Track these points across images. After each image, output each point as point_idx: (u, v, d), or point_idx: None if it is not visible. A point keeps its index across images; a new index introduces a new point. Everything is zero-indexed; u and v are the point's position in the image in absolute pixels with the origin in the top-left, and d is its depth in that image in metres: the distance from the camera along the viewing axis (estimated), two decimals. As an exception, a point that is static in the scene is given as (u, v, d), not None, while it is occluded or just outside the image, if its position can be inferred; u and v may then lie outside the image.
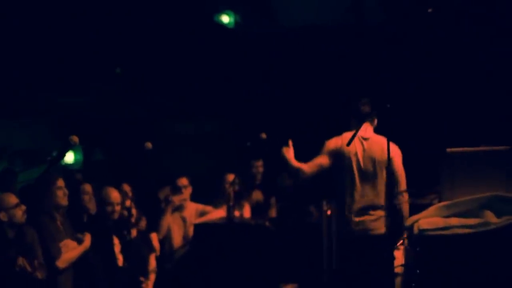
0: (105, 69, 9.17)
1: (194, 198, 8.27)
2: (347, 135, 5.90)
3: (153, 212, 7.90)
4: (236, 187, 7.86)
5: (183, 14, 9.85)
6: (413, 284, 4.27)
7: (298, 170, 6.12)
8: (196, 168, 8.92)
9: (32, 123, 9.45)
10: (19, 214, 5.66)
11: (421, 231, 4.14)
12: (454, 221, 4.11)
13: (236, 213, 7.57)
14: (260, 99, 10.62)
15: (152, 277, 7.33)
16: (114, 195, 6.95)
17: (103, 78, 9.27)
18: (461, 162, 4.29)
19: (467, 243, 4.05)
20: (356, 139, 5.86)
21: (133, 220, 7.18)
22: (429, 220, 4.17)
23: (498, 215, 4.04)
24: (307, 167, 6.10)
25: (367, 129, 6.07)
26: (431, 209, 4.27)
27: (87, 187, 7.03)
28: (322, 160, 6.06)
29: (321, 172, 6.14)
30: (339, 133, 6.97)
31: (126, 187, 7.48)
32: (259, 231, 7.37)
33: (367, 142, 6.00)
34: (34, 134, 9.52)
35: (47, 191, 6.08)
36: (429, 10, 5.44)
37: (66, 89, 9.15)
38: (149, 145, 6.49)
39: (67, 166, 8.60)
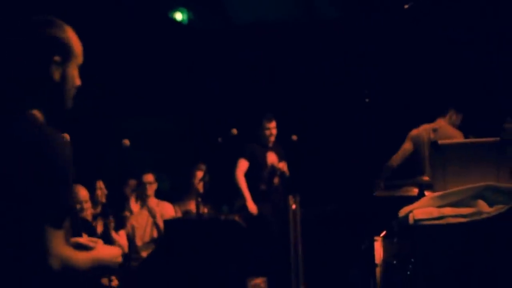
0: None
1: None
2: (425, 126, 7.46)
3: (118, 209, 7.88)
4: (206, 181, 7.89)
5: (137, 12, 9.81)
6: (408, 273, 4.38)
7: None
8: (155, 165, 8.90)
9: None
10: None
11: (416, 221, 4.22)
12: (448, 210, 4.20)
13: (204, 210, 7.60)
14: (214, 95, 10.64)
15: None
16: (83, 193, 6.93)
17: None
18: (452, 153, 4.41)
19: (460, 232, 4.15)
20: (427, 130, 7.48)
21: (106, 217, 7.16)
22: (423, 210, 4.26)
23: (490, 204, 4.15)
24: (395, 163, 7.63)
25: (438, 121, 7.49)
26: (425, 199, 4.36)
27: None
28: (407, 146, 7.53)
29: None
30: (295, 126, 7.66)
31: (101, 184, 7.45)
32: (228, 226, 7.42)
33: (436, 133, 7.21)
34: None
35: None
36: (406, 6, 5.54)
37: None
38: (126, 142, 6.45)
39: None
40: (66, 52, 2.71)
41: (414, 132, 7.46)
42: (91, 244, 2.82)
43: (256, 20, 10.50)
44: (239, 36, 10.57)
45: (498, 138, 4.41)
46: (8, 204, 2.43)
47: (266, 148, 8.56)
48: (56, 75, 2.69)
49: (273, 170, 8.47)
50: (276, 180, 8.44)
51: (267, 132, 8.50)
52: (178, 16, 10.30)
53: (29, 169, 2.42)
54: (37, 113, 2.65)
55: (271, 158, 8.55)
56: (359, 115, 5.74)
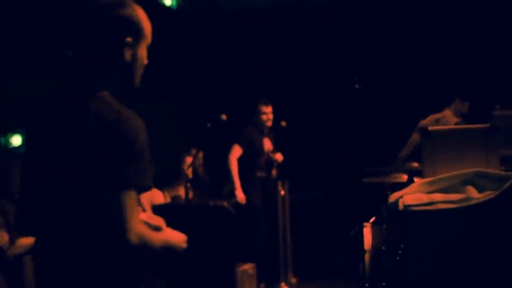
0: (52, 52, 9.01)
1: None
2: (432, 116, 7.40)
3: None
4: (200, 166, 7.86)
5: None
6: (397, 258, 4.39)
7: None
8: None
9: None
10: None
11: (406, 206, 4.23)
12: (438, 196, 4.21)
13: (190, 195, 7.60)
14: (203, 80, 10.62)
15: None
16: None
17: (50, 61, 9.11)
18: (442, 140, 4.42)
19: (450, 218, 4.17)
20: (432, 120, 7.42)
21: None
22: (413, 196, 4.27)
23: (480, 190, 4.17)
24: (405, 153, 7.59)
25: (445, 111, 7.48)
26: (415, 185, 4.38)
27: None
28: (414, 136, 7.44)
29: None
30: (284, 112, 7.64)
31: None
32: (217, 212, 7.42)
33: (438, 123, 7.21)
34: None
35: (12, 175, 6.03)
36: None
37: (13, 73, 8.98)
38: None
39: (15, 149, 8.46)
40: (137, 32, 2.76)
41: (422, 122, 7.44)
42: (151, 222, 2.86)
43: (245, 5, 10.48)
44: (228, 21, 10.55)
45: (487, 125, 4.42)
46: (89, 182, 2.50)
47: (263, 134, 8.46)
48: (128, 56, 2.73)
49: (269, 157, 8.37)
50: (271, 167, 8.33)
51: (264, 117, 8.38)
52: (167, 1, 10.27)
53: (109, 148, 2.49)
54: (107, 94, 2.67)
55: (268, 144, 8.46)
56: (349, 101, 5.74)
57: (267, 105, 8.38)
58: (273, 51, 10.23)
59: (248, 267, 7.56)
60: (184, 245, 2.89)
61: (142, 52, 2.79)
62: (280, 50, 10.21)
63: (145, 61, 2.82)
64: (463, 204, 4.15)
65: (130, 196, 2.51)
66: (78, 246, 2.55)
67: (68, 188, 2.53)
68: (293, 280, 8.25)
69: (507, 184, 4.03)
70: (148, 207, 7.89)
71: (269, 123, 8.40)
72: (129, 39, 2.71)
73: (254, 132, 8.35)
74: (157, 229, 2.83)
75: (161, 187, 8.41)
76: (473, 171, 4.23)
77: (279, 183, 8.06)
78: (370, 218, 5.57)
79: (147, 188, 2.64)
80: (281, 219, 8.02)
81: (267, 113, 8.37)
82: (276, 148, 8.46)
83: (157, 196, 8.17)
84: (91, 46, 2.69)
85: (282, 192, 8.07)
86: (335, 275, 7.88)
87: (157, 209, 7.61)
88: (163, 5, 10.28)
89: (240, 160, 8.22)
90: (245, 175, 8.19)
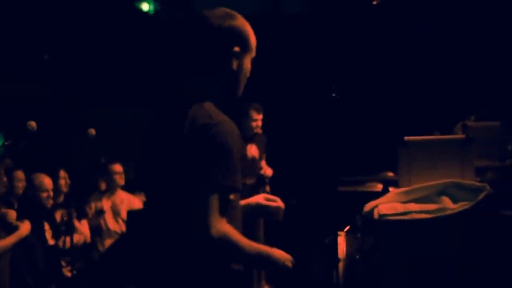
0: (30, 54, 9.01)
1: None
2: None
3: (82, 198, 7.83)
4: None
5: (104, 2, 9.79)
6: (371, 267, 4.40)
7: None
8: (122, 155, 8.84)
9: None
10: None
11: (381, 216, 4.26)
12: (413, 206, 4.24)
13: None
14: (180, 86, 10.61)
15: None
16: (47, 181, 6.96)
17: (29, 63, 9.09)
18: (418, 150, 4.45)
19: (424, 228, 4.19)
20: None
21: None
22: (388, 205, 4.30)
23: (455, 201, 4.20)
24: None
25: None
26: (390, 195, 4.40)
27: (20, 174, 6.96)
28: None
29: None
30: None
31: (63, 174, 7.41)
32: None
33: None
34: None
35: None
36: (374, 2, 5.56)
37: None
38: (92, 131, 6.42)
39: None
40: (244, 44, 2.92)
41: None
42: (267, 203, 3.22)
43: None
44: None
45: (463, 136, 4.46)
46: (181, 182, 2.67)
47: (246, 140, 8.12)
48: (234, 65, 2.89)
49: (254, 164, 8.18)
50: (264, 184, 8.12)
51: (253, 124, 8.14)
52: (145, 6, 10.29)
53: (199, 150, 2.65)
54: (209, 103, 2.79)
55: (252, 150, 8.24)
56: (325, 110, 5.76)
57: (258, 112, 8.17)
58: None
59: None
60: (289, 264, 2.99)
61: (247, 64, 2.95)
62: (256, 58, 10.21)
63: (248, 74, 2.96)
64: (438, 215, 4.17)
65: (214, 196, 2.65)
66: (171, 241, 2.75)
67: (167, 188, 2.75)
68: (266, 288, 8.24)
69: (482, 195, 4.07)
70: (124, 212, 7.84)
71: (257, 130, 8.20)
72: (237, 49, 2.87)
73: None
74: (276, 210, 3.21)
75: (137, 192, 8.36)
76: (448, 182, 4.27)
77: (260, 192, 8.03)
78: (345, 227, 5.56)
79: (234, 190, 2.76)
80: (255, 226, 8.00)
81: (257, 120, 8.17)
82: (265, 154, 8.31)
83: (134, 201, 8.11)
84: (202, 54, 2.84)
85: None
86: (309, 283, 7.87)
87: (131, 215, 7.58)
88: (141, 11, 10.30)
89: None
90: None
